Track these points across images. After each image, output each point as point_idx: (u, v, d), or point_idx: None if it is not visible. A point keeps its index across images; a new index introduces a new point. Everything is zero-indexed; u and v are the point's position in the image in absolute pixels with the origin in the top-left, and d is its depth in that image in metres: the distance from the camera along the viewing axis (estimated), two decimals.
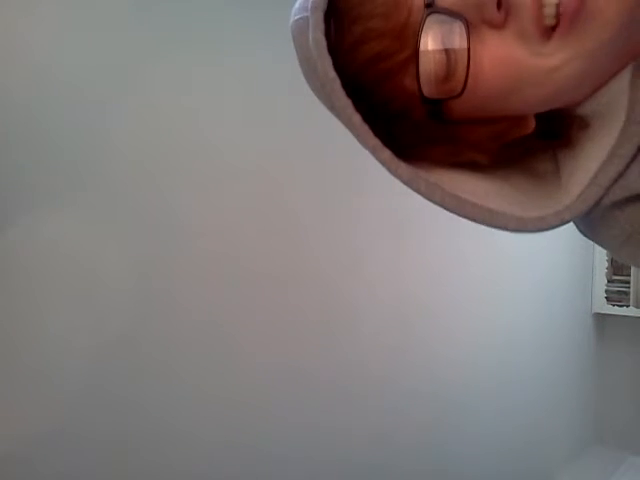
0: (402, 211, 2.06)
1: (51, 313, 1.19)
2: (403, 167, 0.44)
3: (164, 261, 1.38)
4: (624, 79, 0.44)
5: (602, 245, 0.52)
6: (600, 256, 3.42)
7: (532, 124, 0.47)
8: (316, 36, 0.42)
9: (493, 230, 0.46)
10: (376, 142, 0.43)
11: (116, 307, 1.28)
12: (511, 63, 0.40)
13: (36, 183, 1.17)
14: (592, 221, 0.49)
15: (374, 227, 1.96)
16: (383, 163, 0.44)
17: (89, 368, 1.24)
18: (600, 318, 3.55)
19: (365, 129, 0.43)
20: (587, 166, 0.44)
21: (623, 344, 3.54)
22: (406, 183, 0.44)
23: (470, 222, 0.45)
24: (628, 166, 0.43)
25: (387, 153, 0.43)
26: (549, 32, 0.39)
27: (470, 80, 0.41)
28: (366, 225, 1.93)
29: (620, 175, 0.43)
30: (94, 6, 1.26)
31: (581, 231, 0.53)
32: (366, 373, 1.92)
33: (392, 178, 0.47)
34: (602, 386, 3.55)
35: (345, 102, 0.42)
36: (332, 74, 0.42)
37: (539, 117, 0.48)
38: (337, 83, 0.42)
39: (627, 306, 3.35)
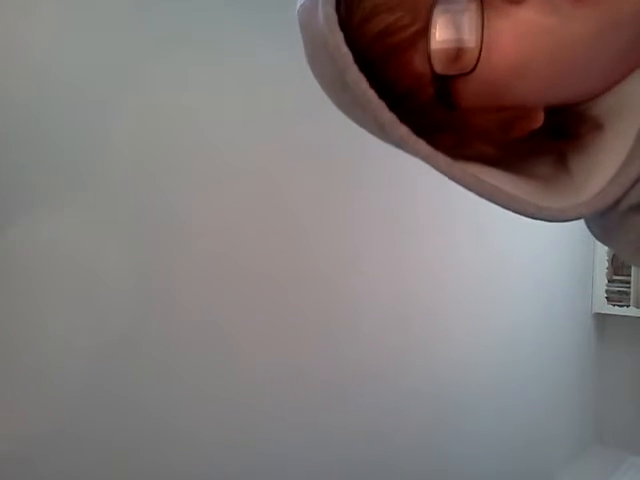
0: (402, 211, 2.06)
1: (51, 313, 1.19)
2: (422, 142, 0.42)
3: (164, 261, 1.38)
4: (638, 78, 0.43)
5: (617, 250, 0.51)
6: (600, 256, 3.42)
7: (541, 117, 0.46)
8: (327, 11, 0.40)
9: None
10: (392, 116, 0.41)
11: (116, 307, 1.27)
12: (541, 33, 0.39)
13: (36, 183, 1.17)
14: (608, 225, 0.48)
15: (374, 227, 1.96)
16: (400, 139, 0.42)
17: (89, 368, 1.24)
18: (600, 318, 3.54)
19: (381, 104, 0.41)
20: (605, 165, 0.43)
21: (623, 344, 3.54)
22: (425, 159, 0.42)
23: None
24: None
25: (404, 128, 0.42)
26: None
27: (486, 58, 0.40)
28: (366, 225, 1.93)
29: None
30: (94, 6, 1.26)
31: (595, 235, 0.52)
32: (365, 372, 1.92)
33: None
34: (602, 386, 3.55)
35: (358, 76, 0.41)
36: (344, 49, 0.40)
37: (548, 117, 0.46)
38: (350, 57, 0.40)
39: (627, 306, 3.34)
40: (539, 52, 0.40)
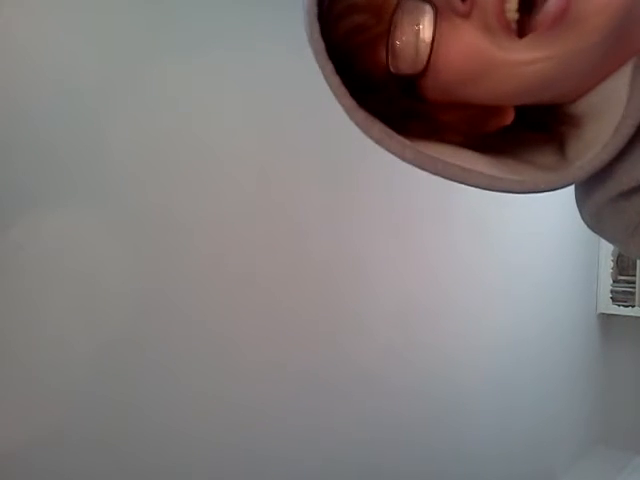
0: (405, 212, 2.06)
1: (51, 313, 1.18)
2: (377, 127, 0.46)
3: (164, 262, 1.38)
4: (621, 76, 0.43)
5: (611, 240, 0.52)
6: (605, 256, 3.40)
7: (510, 116, 0.49)
8: (309, 3, 0.45)
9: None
10: (351, 102, 0.45)
11: (115, 308, 1.27)
12: (475, 52, 0.42)
13: (36, 183, 1.16)
14: (599, 212, 0.49)
15: (376, 228, 1.95)
16: (357, 124, 0.46)
17: (89, 368, 1.24)
18: (605, 318, 3.53)
19: (342, 89, 0.45)
20: (588, 143, 0.45)
21: (628, 344, 3.53)
22: (378, 142, 0.46)
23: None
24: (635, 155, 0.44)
25: (362, 113, 0.46)
26: (513, 27, 0.40)
27: (434, 62, 0.43)
28: (368, 226, 1.92)
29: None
30: (94, 7, 1.25)
31: (587, 223, 0.53)
32: (367, 374, 1.91)
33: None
34: (607, 386, 3.53)
35: (325, 61, 0.45)
36: (316, 36, 0.45)
37: (530, 110, 0.49)
38: (321, 45, 0.45)
39: (632, 306, 3.33)
40: (479, 69, 0.43)
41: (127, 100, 1.31)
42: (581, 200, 0.51)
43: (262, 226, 1.60)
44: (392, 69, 0.45)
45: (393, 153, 0.46)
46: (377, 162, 1.86)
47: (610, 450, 3.43)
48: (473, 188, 0.45)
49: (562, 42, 0.40)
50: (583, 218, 0.53)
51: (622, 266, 3.36)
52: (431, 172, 0.46)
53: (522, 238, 2.67)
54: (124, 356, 1.30)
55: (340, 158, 1.80)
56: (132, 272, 1.31)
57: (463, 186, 0.46)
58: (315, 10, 0.45)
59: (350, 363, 1.85)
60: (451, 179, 0.45)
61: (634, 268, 3.29)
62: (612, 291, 3.41)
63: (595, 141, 0.45)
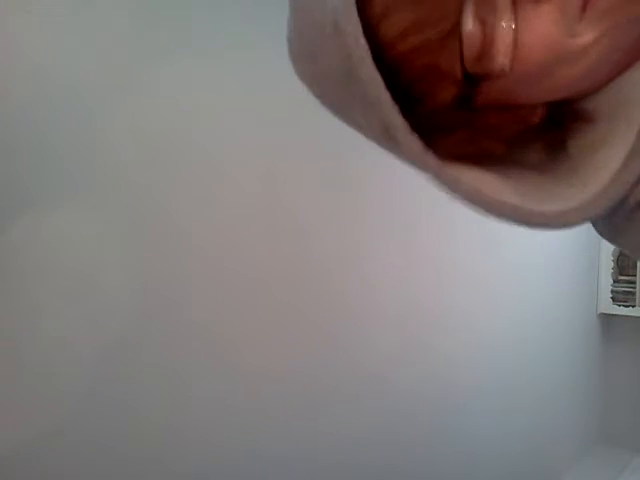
0: (406, 212, 2.05)
1: (51, 313, 1.18)
2: (431, 158, 0.39)
3: (165, 262, 1.37)
4: (638, 71, 0.42)
5: (628, 250, 0.50)
6: (606, 256, 3.40)
7: (543, 112, 0.45)
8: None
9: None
10: (404, 122, 0.37)
11: (116, 308, 1.27)
12: (551, 42, 0.38)
13: (36, 183, 1.16)
14: (616, 224, 0.46)
15: (378, 230, 1.95)
16: (411, 152, 0.38)
17: (89, 369, 1.24)
18: (606, 318, 3.53)
19: (395, 106, 0.37)
20: (606, 161, 0.41)
21: (629, 344, 3.53)
22: (435, 178, 0.39)
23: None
24: None
25: (418, 142, 0.38)
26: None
27: (516, 55, 0.38)
28: (370, 227, 1.92)
29: None
30: (94, 7, 1.25)
31: (602, 234, 0.50)
32: (368, 374, 1.91)
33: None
34: (608, 386, 3.53)
35: (374, 73, 0.36)
36: (362, 40, 0.36)
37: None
38: (367, 51, 0.36)
39: (633, 306, 3.33)
40: (551, 59, 0.39)
41: (127, 100, 1.31)
42: None
43: (264, 227, 1.59)
44: (469, 68, 0.38)
45: (431, 176, 0.40)
46: (380, 164, 1.86)
47: (610, 450, 3.43)
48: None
49: (617, 9, 0.37)
50: (597, 230, 0.50)
51: (622, 266, 3.36)
52: (481, 211, 0.40)
53: (522, 238, 2.67)
54: (124, 356, 1.29)
55: (343, 159, 1.79)
56: (132, 272, 1.31)
57: None
58: (354, 3, 0.36)
59: (351, 364, 1.85)
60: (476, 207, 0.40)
61: (634, 268, 3.29)
62: (612, 291, 3.41)
63: (612, 140, 0.42)
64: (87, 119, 1.24)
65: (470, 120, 0.43)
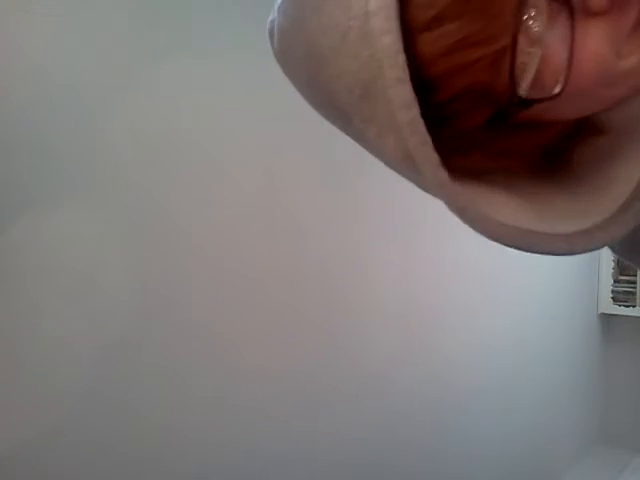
0: (406, 212, 2.05)
1: (51, 313, 1.18)
2: (459, 191, 0.35)
3: (165, 262, 1.37)
4: None
5: None
6: (606, 256, 3.40)
7: (563, 129, 0.43)
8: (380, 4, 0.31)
9: None
10: (437, 158, 0.34)
11: (116, 308, 1.27)
12: (603, 62, 0.34)
13: (36, 183, 1.16)
14: (633, 242, 0.44)
15: (378, 229, 1.95)
16: (433, 185, 0.35)
17: (89, 369, 1.24)
18: (606, 318, 3.52)
19: (429, 141, 0.33)
20: (626, 174, 0.39)
21: (629, 344, 3.53)
22: (458, 212, 0.35)
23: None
24: None
25: (446, 176, 0.34)
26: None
27: (571, 75, 0.34)
28: (370, 227, 1.92)
29: None
30: (94, 7, 1.25)
31: (618, 252, 0.48)
32: (368, 374, 1.91)
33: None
34: (608, 386, 3.53)
35: (409, 99, 0.32)
36: (402, 58, 0.31)
37: None
38: (406, 71, 0.31)
39: (633, 306, 3.33)
40: (599, 79, 0.36)
41: (127, 100, 1.31)
42: None
43: (263, 226, 1.59)
44: (520, 91, 0.34)
45: (465, 221, 0.36)
46: (379, 163, 1.86)
47: (610, 450, 3.43)
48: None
49: None
50: (613, 249, 0.47)
51: (623, 266, 3.35)
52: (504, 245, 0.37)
53: None
54: (124, 356, 1.29)
55: (342, 159, 1.79)
56: (132, 272, 1.30)
57: None
58: (395, 5, 0.31)
59: (351, 364, 1.85)
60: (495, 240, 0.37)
61: (635, 268, 3.29)
62: (613, 291, 3.41)
63: (629, 153, 0.40)
64: (87, 119, 1.24)
65: (493, 140, 0.40)
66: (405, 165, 0.36)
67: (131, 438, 1.31)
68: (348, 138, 0.44)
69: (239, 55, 1.53)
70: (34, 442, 1.15)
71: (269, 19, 0.44)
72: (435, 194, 0.37)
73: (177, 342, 1.40)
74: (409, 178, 0.39)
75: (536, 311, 2.83)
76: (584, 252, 0.38)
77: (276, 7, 0.42)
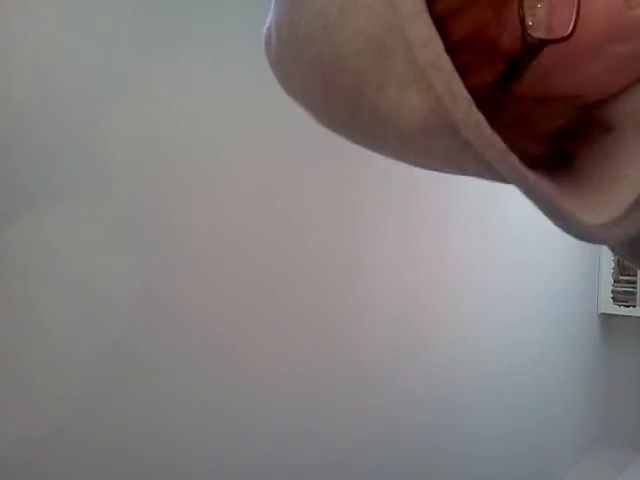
0: (406, 213, 2.05)
1: (51, 314, 1.18)
2: (497, 139, 0.32)
3: (165, 263, 1.37)
4: None
5: None
6: (606, 255, 3.40)
7: (571, 113, 0.41)
8: None
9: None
10: (468, 95, 0.31)
11: (116, 308, 1.27)
12: (609, 9, 0.33)
13: (36, 183, 1.16)
14: (636, 242, 0.43)
15: (377, 230, 1.95)
16: (474, 125, 0.31)
17: (89, 369, 1.24)
18: (606, 318, 3.52)
19: (456, 76, 0.30)
20: (630, 173, 0.38)
21: (629, 344, 3.53)
22: (499, 156, 0.33)
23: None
24: None
25: (480, 114, 0.31)
26: None
27: (579, 20, 0.32)
28: (369, 228, 1.92)
29: None
30: (94, 6, 1.25)
31: (621, 256, 0.47)
32: (369, 375, 1.91)
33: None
34: (608, 386, 3.53)
35: (430, 29, 0.30)
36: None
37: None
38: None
39: (634, 306, 3.33)
40: (611, 36, 0.35)
41: (128, 100, 1.31)
42: None
43: (262, 227, 1.59)
44: (533, 34, 0.32)
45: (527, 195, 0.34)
46: (378, 164, 1.86)
47: (610, 450, 3.43)
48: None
49: None
50: (609, 247, 0.47)
51: (623, 266, 3.35)
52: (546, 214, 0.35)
53: (523, 238, 2.67)
54: (124, 356, 1.29)
55: (341, 159, 1.79)
56: (132, 273, 1.30)
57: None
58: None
59: (351, 364, 1.85)
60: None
61: (635, 268, 3.28)
62: (613, 291, 3.41)
63: (636, 150, 0.39)
64: (87, 119, 1.24)
65: (502, 109, 0.38)
66: (431, 123, 0.33)
67: (131, 438, 1.31)
68: (349, 142, 0.42)
69: (239, 55, 1.53)
70: (34, 442, 1.15)
71: (265, 27, 0.42)
72: (467, 158, 0.34)
73: (177, 342, 1.40)
74: (433, 152, 0.36)
75: (536, 311, 2.83)
76: (602, 242, 0.37)
77: (270, 13, 0.40)
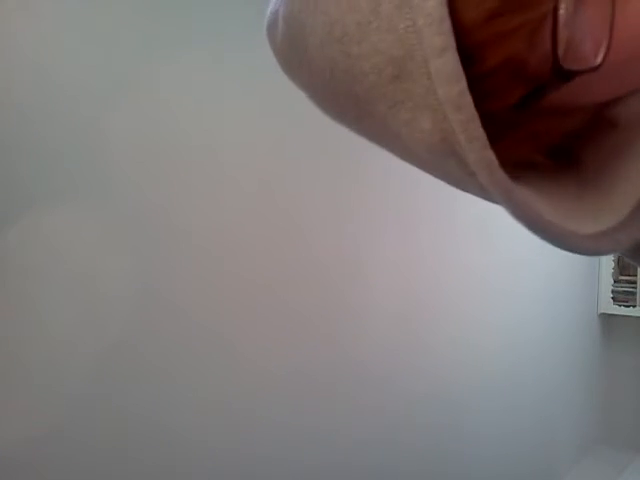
0: (407, 213, 2.05)
1: (51, 314, 1.18)
2: (517, 191, 0.32)
3: (165, 263, 1.37)
4: None
5: None
6: (606, 256, 3.40)
7: (586, 116, 0.41)
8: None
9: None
10: (485, 136, 0.30)
11: (116, 308, 1.27)
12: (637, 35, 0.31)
13: (36, 183, 1.16)
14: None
15: (378, 229, 1.95)
16: (486, 166, 0.31)
17: (89, 368, 1.24)
18: (606, 318, 3.52)
19: (476, 116, 0.29)
20: (631, 177, 0.38)
21: (629, 345, 3.53)
22: (503, 194, 0.32)
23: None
24: None
25: (493, 154, 0.31)
26: None
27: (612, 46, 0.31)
28: (369, 226, 1.92)
29: None
30: (95, 6, 1.25)
31: (625, 255, 0.46)
32: (369, 374, 1.91)
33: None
34: (608, 386, 3.53)
35: (456, 68, 0.28)
36: (448, 25, 0.28)
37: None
38: (450, 32, 0.28)
39: (634, 306, 3.33)
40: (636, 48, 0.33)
41: (128, 100, 1.31)
42: None
43: (262, 227, 1.59)
44: (564, 65, 0.31)
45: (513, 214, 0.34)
46: (379, 164, 1.86)
47: (610, 450, 3.43)
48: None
49: None
50: (621, 251, 0.46)
51: (623, 266, 3.36)
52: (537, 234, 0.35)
53: (523, 238, 2.67)
54: (124, 356, 1.29)
55: (342, 159, 1.79)
56: (132, 273, 1.30)
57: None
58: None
59: (351, 364, 1.85)
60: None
61: (635, 268, 3.29)
62: (613, 291, 3.41)
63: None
64: (87, 119, 1.24)
65: (518, 125, 0.37)
66: (440, 150, 0.32)
67: (131, 438, 1.31)
68: (348, 138, 0.41)
69: (239, 55, 1.53)
70: (34, 442, 1.15)
71: (269, 10, 0.40)
72: (472, 184, 0.33)
73: (177, 342, 1.40)
74: (438, 170, 0.36)
75: (536, 311, 2.83)
76: (609, 253, 0.37)
77: None
